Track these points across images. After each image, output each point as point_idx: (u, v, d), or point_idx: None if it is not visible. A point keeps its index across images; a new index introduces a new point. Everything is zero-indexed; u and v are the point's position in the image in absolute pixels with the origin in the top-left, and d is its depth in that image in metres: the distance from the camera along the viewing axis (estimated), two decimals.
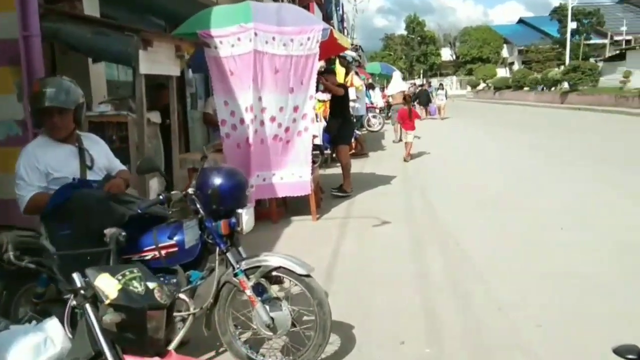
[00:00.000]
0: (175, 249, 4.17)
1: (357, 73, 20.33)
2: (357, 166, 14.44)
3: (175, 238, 4.17)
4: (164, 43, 7.24)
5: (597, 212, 9.38)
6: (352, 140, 14.44)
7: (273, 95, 8.60)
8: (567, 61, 49.37)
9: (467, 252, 7.43)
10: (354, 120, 17.35)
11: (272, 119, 8.68)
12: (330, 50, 10.57)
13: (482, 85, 72.50)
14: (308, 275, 4.21)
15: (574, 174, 12.91)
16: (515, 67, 76.20)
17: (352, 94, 16.98)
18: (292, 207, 10.18)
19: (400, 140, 19.95)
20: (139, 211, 4.08)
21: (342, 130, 11.93)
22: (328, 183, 12.22)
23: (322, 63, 15.55)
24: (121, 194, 4.39)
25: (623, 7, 74.47)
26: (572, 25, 52.84)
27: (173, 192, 4.26)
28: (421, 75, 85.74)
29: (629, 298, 5.66)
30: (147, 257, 4.19)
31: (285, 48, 8.48)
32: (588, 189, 11.23)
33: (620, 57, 42.38)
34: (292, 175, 9.08)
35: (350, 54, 18.12)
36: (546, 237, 7.95)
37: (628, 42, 56.23)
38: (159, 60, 7.06)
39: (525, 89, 54.89)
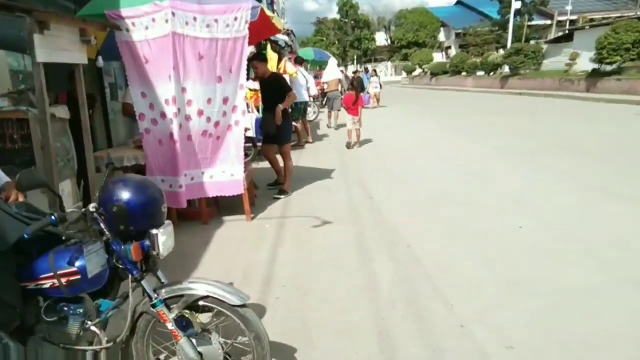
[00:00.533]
0: (78, 276, 3.48)
1: (291, 59, 19.73)
2: (294, 158, 13.81)
3: (77, 264, 3.47)
4: (65, 26, 6.42)
5: (555, 207, 8.93)
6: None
7: (199, 86, 7.90)
8: (509, 44, 49.29)
9: (420, 258, 6.90)
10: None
11: (200, 112, 8.01)
12: (261, 33, 9.74)
13: (418, 71, 71.98)
14: (243, 305, 3.64)
15: (522, 164, 12.59)
16: (453, 51, 76.29)
17: None
18: (224, 205, 9.59)
19: (338, 127, 20.93)
20: (25, 237, 3.33)
21: (282, 127, 10.74)
22: (263, 179, 11.73)
23: (252, 48, 14.95)
24: (19, 204, 3.79)
25: None
26: (515, 4, 52.43)
27: (68, 211, 3.50)
28: (355, 61, 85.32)
29: (606, 310, 5.24)
30: (45, 286, 3.53)
31: (209, 30, 7.77)
32: (539, 181, 10.82)
33: (567, 37, 42.38)
34: (223, 173, 8.51)
35: (282, 37, 17.45)
36: (505, 238, 7.51)
37: (573, 22, 56.21)
38: (60, 46, 6.27)
39: (463, 74, 54.73)
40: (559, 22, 59.03)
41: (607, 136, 16.16)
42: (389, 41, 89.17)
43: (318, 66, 35.99)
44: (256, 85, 14.35)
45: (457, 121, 22.77)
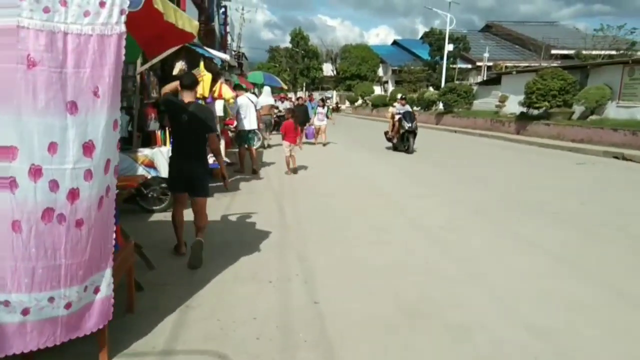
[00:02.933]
0: None
1: (229, 81, 15.75)
2: (221, 205, 9.92)
3: None
4: None
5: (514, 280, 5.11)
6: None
7: (30, 119, 3.68)
8: (443, 83, 46.40)
9: None
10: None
11: (35, 172, 3.73)
12: (166, 39, 5.67)
13: (360, 102, 69.53)
14: None
15: (481, 223, 8.77)
16: (389, 85, 75.43)
17: (218, 108, 12.29)
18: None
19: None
20: None
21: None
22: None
23: (181, 64, 10.82)
24: None
25: (484, 35, 74.60)
26: (449, 47, 50.89)
27: None
28: (304, 88, 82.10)
29: None
30: None
31: (47, 16, 3.66)
32: (498, 246, 7.13)
33: (495, 81, 39.52)
34: (85, 292, 4.13)
35: (220, 55, 13.28)
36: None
37: (489, 67, 56.21)
38: None
39: None
40: (478, 66, 60.01)
41: (559, 189, 12.91)
42: (335, 72, 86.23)
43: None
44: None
45: (410, 165, 18.95)
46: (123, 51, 4.06)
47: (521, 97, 30.09)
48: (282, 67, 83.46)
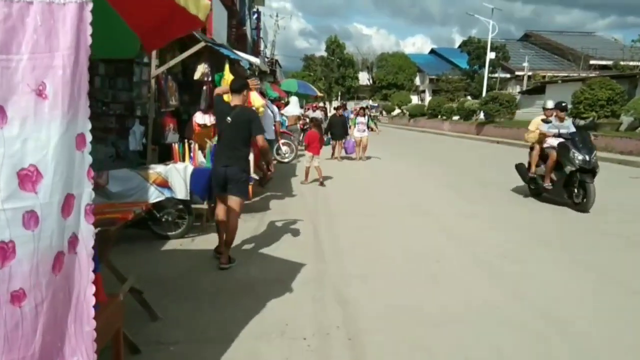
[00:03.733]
0: None
1: (262, 88, 14.42)
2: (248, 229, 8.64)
3: None
4: None
5: None
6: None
7: None
8: (484, 92, 44.64)
9: None
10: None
11: None
12: (168, 27, 4.27)
13: (397, 111, 67.75)
14: None
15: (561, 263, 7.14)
16: (427, 95, 73.48)
17: None
18: None
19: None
20: None
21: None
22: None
23: (204, 67, 9.53)
24: None
25: (523, 44, 73.05)
26: (490, 55, 49.03)
27: None
28: (339, 97, 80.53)
29: None
30: None
31: None
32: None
33: (538, 90, 38.01)
34: None
35: (248, 58, 11.82)
36: None
37: (529, 77, 54.15)
38: None
39: (440, 117, 50.05)
40: (517, 76, 58.46)
41: (627, 208, 11.72)
42: (371, 81, 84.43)
43: (304, 100, 30.50)
44: (206, 119, 9.80)
45: (459, 181, 17.38)
46: (89, 30, 2.68)
47: None
48: (317, 75, 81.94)
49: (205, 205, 8.81)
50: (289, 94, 25.23)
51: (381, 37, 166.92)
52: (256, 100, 10.51)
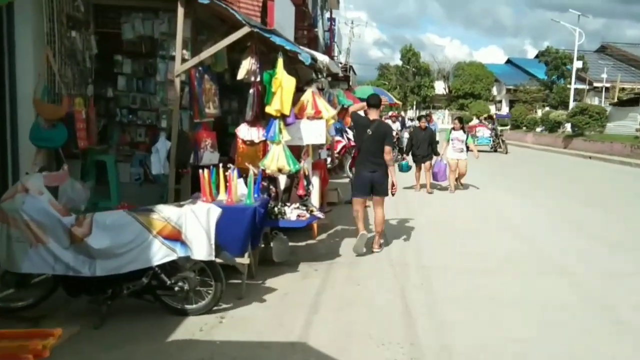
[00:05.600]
0: None
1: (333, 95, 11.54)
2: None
3: None
4: None
5: None
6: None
7: None
8: (571, 104, 40.70)
9: None
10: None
11: None
12: None
13: (475, 121, 63.69)
14: None
15: None
16: (503, 105, 69.91)
17: (312, 130, 7.74)
18: None
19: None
20: None
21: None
22: None
23: (250, 63, 6.71)
24: None
25: (600, 55, 67.69)
26: (578, 64, 45.13)
27: None
28: (414, 107, 77.21)
29: None
30: None
31: None
32: None
33: (633, 102, 34.13)
34: None
35: (315, 54, 8.66)
36: None
37: (607, 89, 50.78)
38: None
39: (523, 128, 46.40)
40: (595, 87, 54.40)
41: None
42: (447, 90, 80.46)
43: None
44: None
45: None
46: None
47: None
48: (392, 84, 78.14)
49: (246, 259, 5.92)
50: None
51: (454, 47, 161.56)
52: (325, 108, 7.60)
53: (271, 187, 7.51)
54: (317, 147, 8.61)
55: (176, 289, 5.12)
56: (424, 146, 14.81)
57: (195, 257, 4.98)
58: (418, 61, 79.49)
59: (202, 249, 4.95)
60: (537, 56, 66.22)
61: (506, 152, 29.67)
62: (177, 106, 6.53)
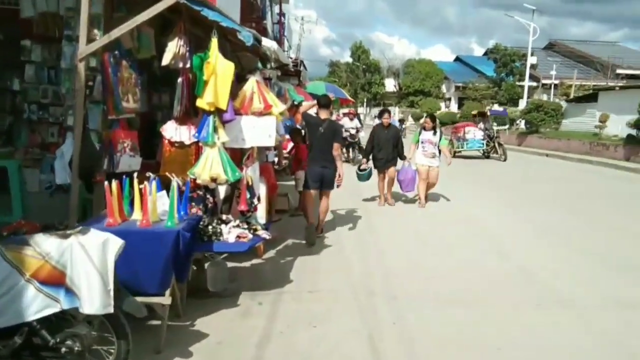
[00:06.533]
0: None
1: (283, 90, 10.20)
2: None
3: None
4: None
5: None
6: None
7: None
8: (525, 101, 40.16)
9: None
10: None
11: None
12: None
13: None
14: None
15: None
16: (452, 102, 69.99)
17: (259, 126, 6.27)
18: None
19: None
20: None
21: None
22: None
23: (177, 45, 5.24)
24: None
25: (548, 52, 68.62)
26: (532, 60, 45.25)
27: None
28: (365, 104, 76.30)
29: None
30: None
31: None
32: None
33: (589, 98, 33.49)
34: None
35: (267, 43, 7.23)
36: None
37: (556, 86, 50.82)
38: None
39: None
40: (544, 84, 54.81)
41: None
42: (397, 87, 79.75)
43: (332, 105, 25.79)
44: None
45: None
46: None
47: (625, 117, 25.06)
48: (343, 81, 76.99)
49: (167, 299, 4.48)
50: (315, 97, 20.62)
51: (402, 45, 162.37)
52: (274, 101, 6.16)
53: (208, 196, 6.02)
54: (263, 149, 7.22)
55: (63, 349, 3.64)
56: (387, 148, 12.08)
57: (85, 310, 3.50)
58: (368, 58, 79.16)
59: (94, 298, 3.47)
60: (485, 53, 67.56)
61: (504, 159, 24.31)
62: (81, 98, 5.02)
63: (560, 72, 54.57)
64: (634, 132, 24.35)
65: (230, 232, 5.44)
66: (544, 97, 47.74)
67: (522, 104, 41.79)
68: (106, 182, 4.52)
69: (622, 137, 25.40)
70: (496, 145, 24.88)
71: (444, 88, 74.76)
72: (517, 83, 54.25)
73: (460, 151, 25.04)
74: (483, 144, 25.10)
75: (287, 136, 14.30)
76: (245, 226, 5.62)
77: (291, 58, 24.23)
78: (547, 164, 23.85)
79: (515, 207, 12.46)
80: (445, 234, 9.64)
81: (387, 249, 8.42)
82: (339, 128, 9.41)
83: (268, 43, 7.30)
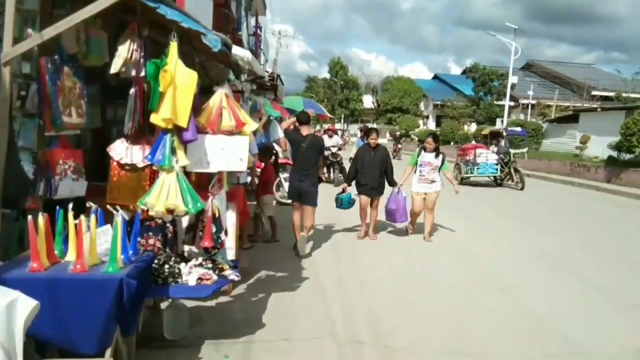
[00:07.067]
0: None
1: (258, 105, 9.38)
2: None
3: None
4: None
5: None
6: None
7: None
8: (505, 120, 39.84)
9: None
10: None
11: None
12: None
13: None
14: None
15: None
16: (430, 120, 70.36)
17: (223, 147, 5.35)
18: None
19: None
20: None
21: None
22: None
23: (128, 49, 4.32)
24: None
25: (525, 73, 68.96)
26: (513, 79, 44.59)
27: None
28: (342, 120, 75.84)
29: None
30: None
31: None
32: None
33: (570, 119, 33.50)
34: None
35: (241, 52, 6.36)
36: None
37: (533, 106, 51.53)
38: None
39: (452, 144, 44.61)
40: (522, 104, 55.15)
41: None
42: (375, 104, 79.49)
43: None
44: None
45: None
46: None
47: (606, 139, 25.06)
48: (320, 97, 76.45)
49: None
50: (291, 112, 19.76)
51: (380, 62, 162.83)
52: (249, 122, 5.23)
53: (167, 225, 5.12)
54: (234, 172, 6.33)
55: None
56: (373, 172, 10.31)
57: None
58: (346, 74, 79.24)
59: None
60: (464, 72, 67.58)
61: (521, 187, 20.71)
62: (5, 109, 4.10)
63: (537, 93, 55.10)
64: (614, 153, 24.12)
65: (191, 273, 4.56)
66: (521, 117, 48.05)
67: (499, 123, 41.66)
68: (30, 217, 3.61)
69: (603, 158, 25.15)
70: (512, 171, 21.24)
71: (422, 106, 74.76)
72: (496, 102, 54.30)
73: (468, 177, 21.93)
74: (497, 169, 21.52)
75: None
76: (210, 265, 4.74)
77: (267, 72, 23.40)
78: (532, 186, 23.11)
79: (513, 235, 11.56)
80: (439, 267, 8.69)
81: (375, 285, 7.44)
82: (322, 143, 9.72)
83: (241, 52, 6.46)
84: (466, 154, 22.48)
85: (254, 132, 12.19)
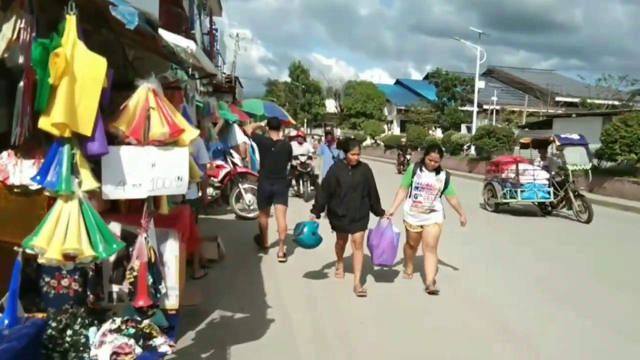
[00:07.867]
0: None
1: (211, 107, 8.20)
2: None
3: None
4: None
5: None
6: None
7: None
8: (474, 127, 39.45)
9: None
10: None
11: None
12: None
13: (369, 141, 61.78)
14: None
15: None
16: (394, 125, 70.90)
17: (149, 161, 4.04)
18: None
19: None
20: None
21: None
22: None
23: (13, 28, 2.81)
24: None
25: (487, 78, 68.48)
26: (480, 84, 43.84)
27: None
28: (305, 125, 74.77)
29: None
30: None
31: None
32: None
33: (543, 125, 33.28)
34: None
35: (182, 42, 5.08)
36: None
37: (497, 111, 51.97)
38: None
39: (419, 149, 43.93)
40: (485, 110, 54.95)
41: None
42: (338, 109, 78.93)
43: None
44: None
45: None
46: None
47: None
48: (282, 101, 75.27)
49: None
50: (252, 116, 18.32)
51: (341, 68, 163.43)
52: (188, 129, 3.89)
53: None
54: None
55: None
56: (353, 199, 7.66)
57: None
58: (307, 78, 78.65)
59: None
60: (426, 77, 69.36)
61: (588, 219, 14.69)
62: None
63: (500, 98, 55.29)
64: (595, 161, 23.03)
65: (103, 344, 3.23)
66: (485, 122, 47.65)
67: (464, 129, 41.05)
68: None
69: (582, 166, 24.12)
70: (571, 195, 15.23)
71: (385, 111, 74.77)
72: (460, 108, 54.27)
73: (507, 203, 16.25)
74: (549, 192, 15.69)
75: (220, 162, 12.20)
76: (132, 331, 3.39)
77: (224, 74, 22.13)
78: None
79: (594, 305, 7.50)
80: (437, 314, 6.95)
81: (358, 343, 5.88)
82: (290, 148, 9.82)
83: (183, 42, 5.16)
84: (501, 170, 16.75)
85: (208, 139, 11.02)
